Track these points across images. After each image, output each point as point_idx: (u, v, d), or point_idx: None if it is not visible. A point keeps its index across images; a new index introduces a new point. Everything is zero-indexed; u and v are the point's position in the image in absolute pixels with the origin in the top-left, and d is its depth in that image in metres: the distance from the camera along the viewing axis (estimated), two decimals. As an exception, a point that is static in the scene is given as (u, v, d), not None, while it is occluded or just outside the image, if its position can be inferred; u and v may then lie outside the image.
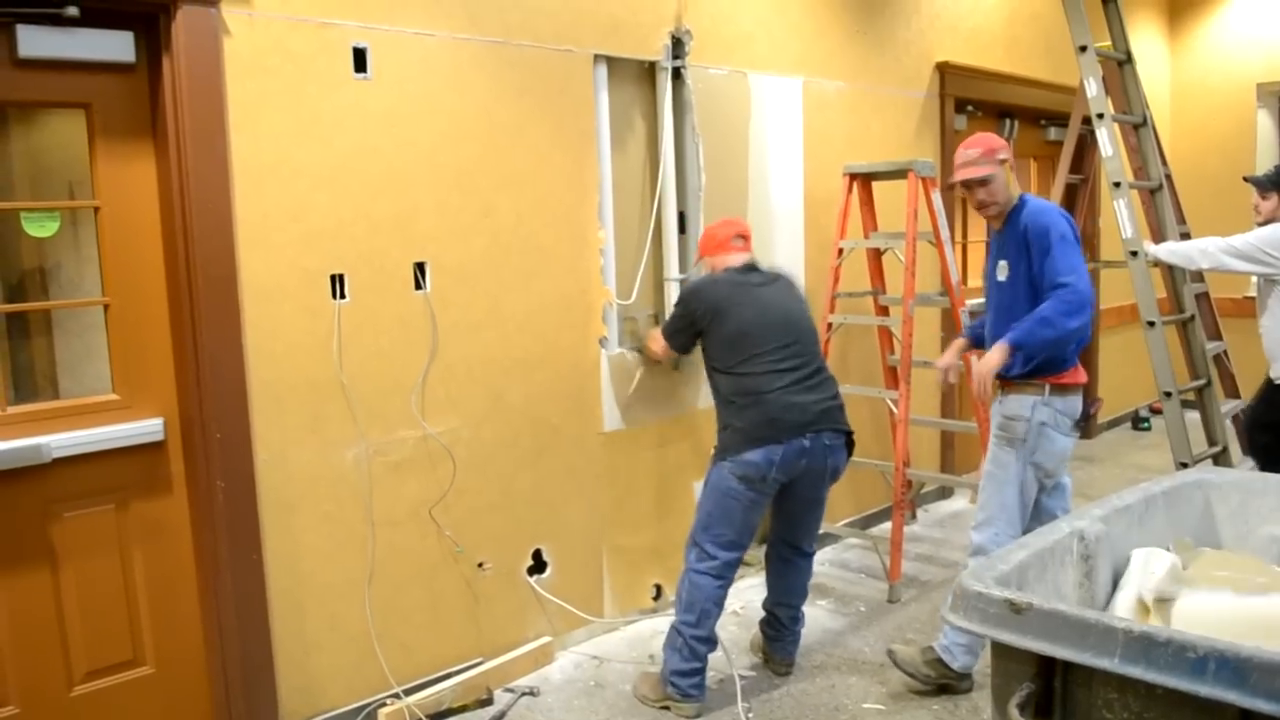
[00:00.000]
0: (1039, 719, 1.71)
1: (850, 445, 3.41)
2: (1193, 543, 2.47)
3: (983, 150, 3.28)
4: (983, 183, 3.27)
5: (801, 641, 3.63)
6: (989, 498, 3.32)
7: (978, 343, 3.60)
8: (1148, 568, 2.23)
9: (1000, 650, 1.80)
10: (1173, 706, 1.58)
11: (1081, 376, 3.30)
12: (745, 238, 3.51)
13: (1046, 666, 1.72)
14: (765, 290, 3.38)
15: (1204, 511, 2.61)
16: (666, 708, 3.30)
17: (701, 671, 3.29)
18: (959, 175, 3.32)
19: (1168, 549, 2.35)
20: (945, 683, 3.37)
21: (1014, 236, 3.25)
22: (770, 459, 3.16)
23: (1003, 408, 3.30)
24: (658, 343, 3.60)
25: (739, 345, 3.27)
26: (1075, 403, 3.28)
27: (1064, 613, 1.68)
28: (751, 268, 3.45)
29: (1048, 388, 3.21)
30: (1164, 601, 2.06)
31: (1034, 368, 3.21)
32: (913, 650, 3.42)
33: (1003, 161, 3.27)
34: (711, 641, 3.30)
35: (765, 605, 3.57)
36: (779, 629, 3.55)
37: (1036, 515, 3.38)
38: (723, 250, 3.49)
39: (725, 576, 3.28)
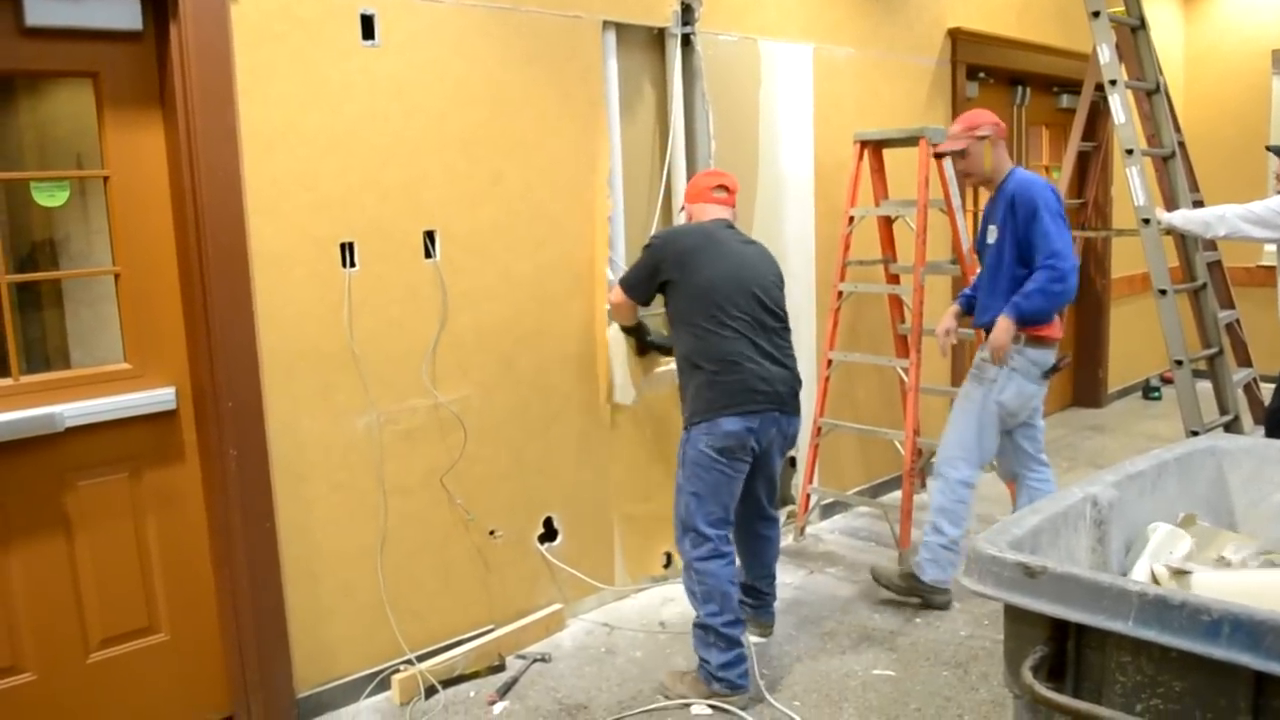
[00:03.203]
0: (1052, 682, 1.71)
1: None
2: (1201, 513, 2.46)
3: (963, 127, 3.67)
4: (960, 155, 3.66)
5: (812, 609, 3.65)
6: (953, 430, 3.76)
7: (969, 308, 3.89)
8: (1167, 545, 2.22)
9: (1014, 614, 1.80)
10: (1186, 669, 1.58)
11: (1057, 331, 3.62)
12: (728, 190, 3.40)
13: (1060, 630, 1.72)
14: (744, 249, 3.27)
15: (1216, 478, 2.60)
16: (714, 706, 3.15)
17: (744, 659, 3.17)
18: (939, 148, 3.83)
19: (1177, 521, 2.35)
20: (920, 594, 3.80)
21: (1002, 204, 3.59)
22: (749, 427, 3.09)
23: (982, 351, 3.66)
24: (615, 293, 3.44)
25: (705, 301, 3.13)
26: (1048, 354, 3.60)
27: (1078, 576, 1.68)
28: (729, 224, 3.34)
29: (1023, 338, 3.54)
30: (1181, 574, 2.06)
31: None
32: (891, 567, 3.92)
33: (982, 137, 3.61)
34: (741, 622, 3.19)
35: (743, 581, 3.49)
36: (761, 597, 3.52)
37: (1012, 453, 3.85)
38: (702, 199, 3.40)
39: (726, 554, 3.16)
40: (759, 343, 3.15)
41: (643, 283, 3.31)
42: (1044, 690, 1.65)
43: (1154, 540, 2.26)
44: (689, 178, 4.03)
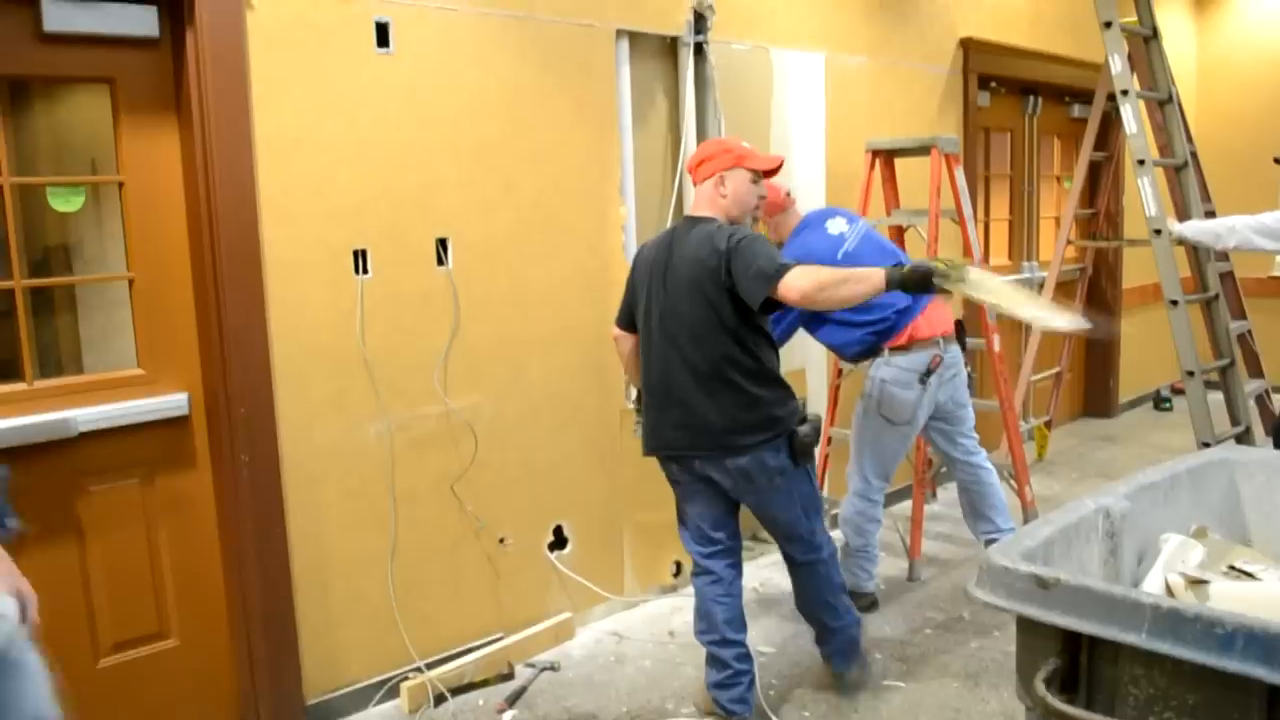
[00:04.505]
0: (1064, 694, 1.70)
1: (788, 443, 2.85)
2: (1213, 525, 2.45)
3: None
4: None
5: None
6: (850, 447, 3.84)
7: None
8: (1179, 556, 2.21)
9: (1026, 626, 1.79)
10: (1200, 682, 1.57)
11: (923, 330, 3.61)
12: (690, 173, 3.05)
13: (1072, 642, 1.71)
14: (666, 258, 2.88)
15: (1229, 490, 2.58)
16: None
17: (738, 684, 2.99)
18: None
19: (1189, 533, 2.34)
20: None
21: None
22: (668, 459, 2.96)
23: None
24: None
25: (642, 332, 2.97)
26: (918, 358, 3.60)
27: (1091, 588, 1.67)
28: (696, 220, 2.92)
29: (885, 351, 3.61)
30: (1197, 584, 2.05)
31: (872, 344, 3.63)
32: None
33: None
34: (730, 643, 2.99)
35: None
36: (818, 635, 3.25)
37: (937, 454, 4.03)
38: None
39: (707, 570, 3.02)
40: (669, 387, 2.86)
41: (623, 312, 3.11)
42: (1057, 703, 1.65)
43: (1166, 551, 2.25)
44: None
